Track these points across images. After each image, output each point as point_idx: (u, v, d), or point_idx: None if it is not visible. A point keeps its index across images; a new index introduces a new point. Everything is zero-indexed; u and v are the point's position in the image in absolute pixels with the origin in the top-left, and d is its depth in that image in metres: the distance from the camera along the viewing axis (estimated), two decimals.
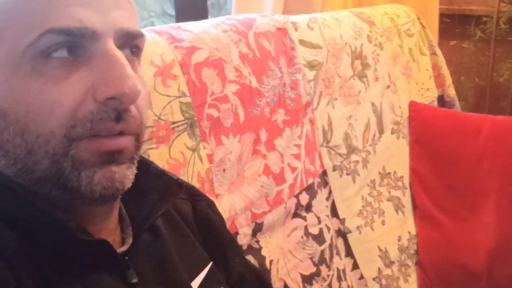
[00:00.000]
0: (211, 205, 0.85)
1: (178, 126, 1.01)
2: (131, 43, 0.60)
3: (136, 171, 0.67)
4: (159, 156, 0.97)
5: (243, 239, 1.08)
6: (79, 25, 0.55)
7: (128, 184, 0.60)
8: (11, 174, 0.58)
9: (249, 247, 1.09)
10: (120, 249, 0.65)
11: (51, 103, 0.55)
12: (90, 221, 0.62)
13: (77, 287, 0.58)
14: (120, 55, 0.56)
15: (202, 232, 0.80)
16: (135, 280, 0.64)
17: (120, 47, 0.58)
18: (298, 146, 1.25)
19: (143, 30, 1.02)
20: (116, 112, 0.57)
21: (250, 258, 1.07)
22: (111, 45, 0.57)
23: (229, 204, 1.06)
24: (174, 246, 0.72)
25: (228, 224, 1.04)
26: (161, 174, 0.72)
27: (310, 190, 1.25)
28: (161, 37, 1.04)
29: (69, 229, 0.57)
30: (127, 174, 0.60)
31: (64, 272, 0.58)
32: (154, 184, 0.70)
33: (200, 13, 1.43)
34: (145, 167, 0.71)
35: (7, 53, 0.55)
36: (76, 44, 0.56)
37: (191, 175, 1.01)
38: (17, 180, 0.58)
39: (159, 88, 0.98)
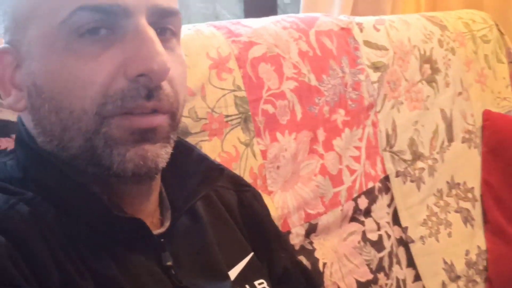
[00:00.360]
0: (257, 196, 0.84)
1: (232, 119, 1.00)
2: (165, 20, 0.59)
3: (178, 154, 0.67)
4: (211, 149, 0.96)
5: (295, 239, 1.05)
6: (111, 2, 0.55)
7: (162, 163, 0.59)
8: (50, 149, 0.59)
9: (302, 247, 1.06)
10: (157, 231, 0.64)
11: (83, 80, 0.55)
12: (127, 201, 0.61)
13: (109, 264, 0.58)
14: (151, 32, 0.56)
15: (246, 223, 0.78)
16: (169, 263, 0.63)
17: (154, 24, 0.57)
18: (358, 148, 1.21)
19: (205, 24, 1.04)
20: (147, 89, 0.56)
21: (303, 259, 1.04)
22: (142, 22, 0.56)
23: (282, 202, 1.04)
24: (214, 232, 0.71)
25: (279, 222, 1.02)
26: (203, 159, 0.70)
27: (370, 194, 1.20)
28: (219, 31, 1.04)
29: (104, 204, 0.57)
30: (160, 153, 0.59)
31: (97, 248, 0.58)
32: (196, 168, 0.69)
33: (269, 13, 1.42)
34: (188, 152, 0.70)
35: (43, 30, 0.56)
36: (108, 21, 0.56)
37: (243, 170, 1.00)
38: (57, 155, 0.58)
39: (213, 80, 0.98)
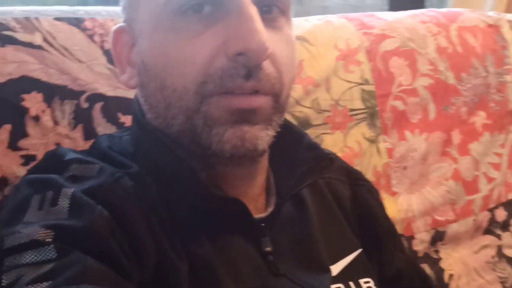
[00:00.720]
0: (373, 192, 0.79)
1: (357, 114, 0.96)
2: None
3: (287, 140, 0.66)
4: (332, 142, 0.94)
5: (419, 245, 0.98)
6: None
7: (262, 146, 0.57)
8: (157, 125, 0.60)
9: (426, 255, 0.99)
10: (258, 215, 0.63)
11: (185, 58, 0.55)
12: (229, 183, 0.61)
13: (206, 244, 0.57)
14: (252, 9, 0.54)
15: (358, 218, 0.74)
16: (268, 249, 0.61)
17: (259, 2, 0.56)
18: (499, 155, 1.10)
19: (336, 16, 1.01)
20: (246, 69, 0.54)
21: (426, 267, 0.98)
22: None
23: (407, 205, 0.98)
24: (319, 224, 0.68)
25: (402, 226, 0.97)
26: (313, 147, 0.68)
27: (510, 206, 1.09)
28: (350, 23, 1.01)
29: (201, 182, 0.57)
30: (260, 136, 0.56)
31: (195, 228, 0.58)
32: (305, 155, 0.67)
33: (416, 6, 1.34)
34: (298, 138, 0.68)
35: (150, 9, 0.57)
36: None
37: (366, 167, 0.96)
38: (163, 131, 0.59)
39: (340, 72, 0.95)
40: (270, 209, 0.64)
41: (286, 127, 0.66)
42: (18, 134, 0.71)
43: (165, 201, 0.57)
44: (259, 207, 0.65)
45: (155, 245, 0.54)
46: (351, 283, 0.66)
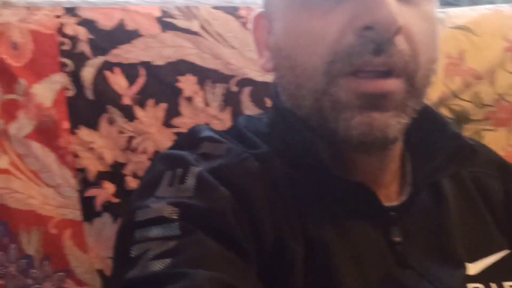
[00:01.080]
0: None
1: None
2: None
3: (428, 126, 0.63)
4: (494, 140, 0.87)
5: None
6: None
7: (392, 134, 0.54)
8: (289, 107, 0.61)
9: None
10: (389, 203, 0.61)
11: (315, 36, 0.55)
12: (359, 169, 0.59)
13: (327, 228, 0.56)
14: None
15: (510, 217, 0.68)
16: (397, 239, 0.58)
17: None
18: None
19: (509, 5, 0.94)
20: (375, 44, 0.52)
21: None
22: None
23: None
24: (459, 218, 0.63)
25: None
26: (456, 136, 0.63)
27: None
28: None
29: (329, 166, 0.57)
30: (390, 124, 0.54)
31: (319, 211, 0.57)
32: (445, 144, 0.62)
33: None
34: (441, 126, 0.64)
35: None
36: None
37: None
38: (295, 113, 0.60)
39: (507, 65, 0.88)
40: (403, 198, 0.62)
41: (428, 113, 0.63)
42: (172, 112, 0.77)
43: (290, 183, 0.58)
44: (390, 195, 0.62)
45: (273, 227, 0.54)
46: (493, 285, 0.60)
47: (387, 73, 0.53)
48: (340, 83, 0.54)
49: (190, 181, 0.54)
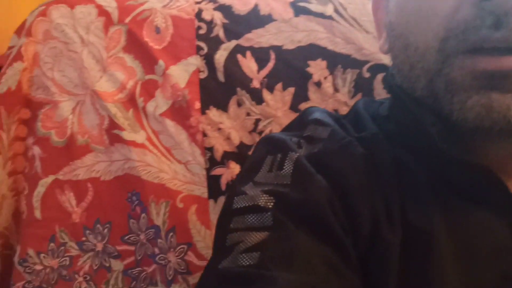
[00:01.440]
0: None
1: None
2: None
3: None
4: None
5: None
6: None
7: None
8: (404, 89, 0.56)
9: None
10: None
11: (427, 11, 0.50)
12: (480, 156, 0.53)
13: (432, 215, 0.51)
14: None
15: None
16: None
17: None
18: None
19: None
20: (494, 16, 0.46)
21: None
22: None
23: None
24: None
25: None
26: None
27: None
28: None
29: (440, 147, 0.52)
30: None
31: (427, 194, 0.53)
32: None
33: None
34: None
35: None
36: None
37: None
38: (409, 94, 0.56)
39: None
40: None
41: None
42: (300, 97, 0.76)
43: (396, 167, 0.54)
44: None
45: (370, 216, 0.51)
46: None
47: (508, 50, 0.47)
48: (454, 62, 0.49)
49: (288, 168, 0.53)
